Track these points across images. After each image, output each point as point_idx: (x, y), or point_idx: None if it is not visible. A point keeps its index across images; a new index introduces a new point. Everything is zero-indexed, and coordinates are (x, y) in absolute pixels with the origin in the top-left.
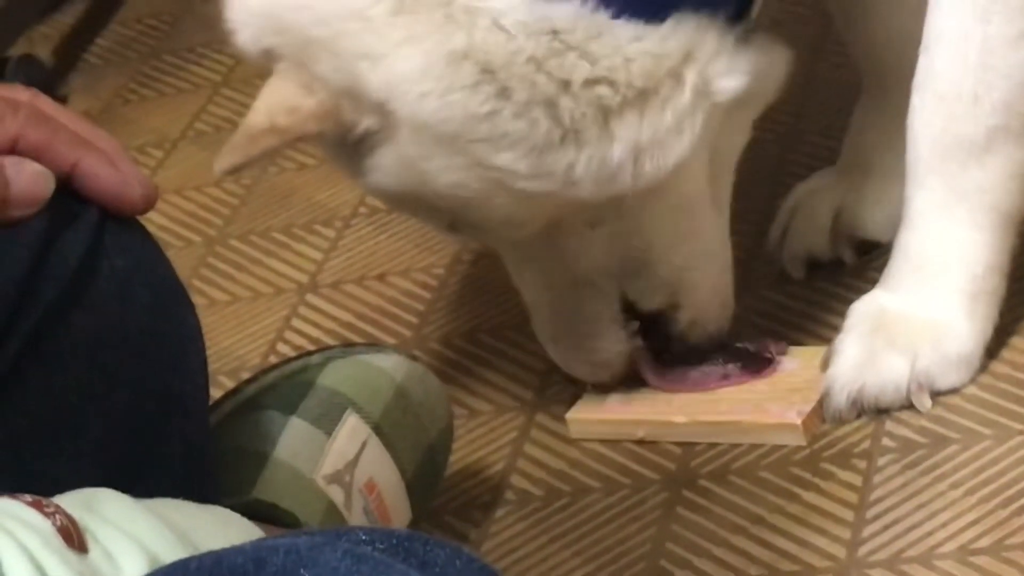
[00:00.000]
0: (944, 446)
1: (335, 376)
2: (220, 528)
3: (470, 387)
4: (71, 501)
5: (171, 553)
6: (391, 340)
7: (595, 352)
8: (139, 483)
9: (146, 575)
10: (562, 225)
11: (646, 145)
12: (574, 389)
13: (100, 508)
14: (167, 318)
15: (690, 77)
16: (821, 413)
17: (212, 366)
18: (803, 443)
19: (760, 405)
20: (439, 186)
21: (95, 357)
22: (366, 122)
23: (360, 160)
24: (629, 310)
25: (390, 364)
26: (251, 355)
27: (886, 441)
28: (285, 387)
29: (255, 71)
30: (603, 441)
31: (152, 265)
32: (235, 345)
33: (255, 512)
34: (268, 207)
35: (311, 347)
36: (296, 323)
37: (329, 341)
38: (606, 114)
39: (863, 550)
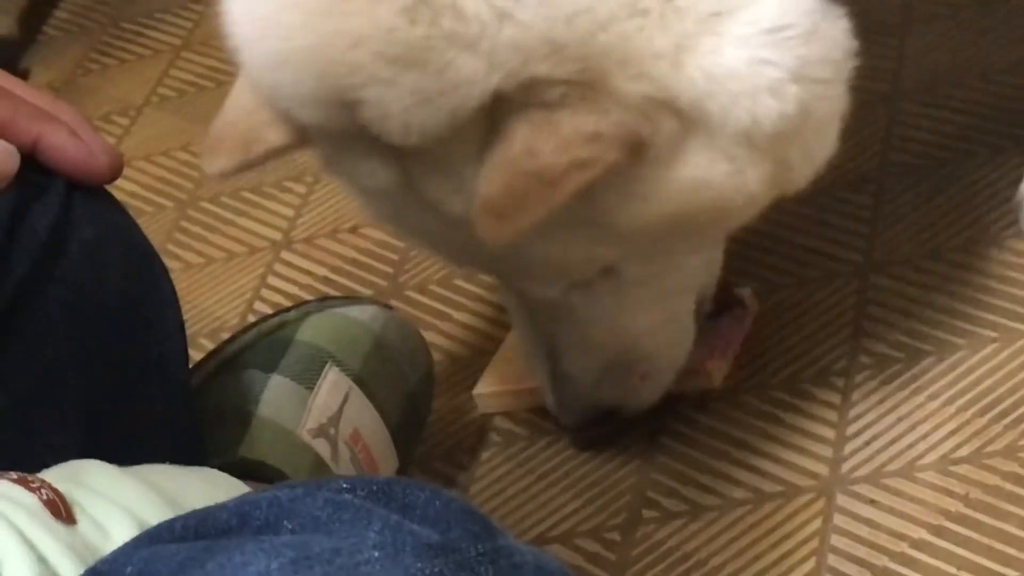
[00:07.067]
0: (920, 359)
1: (313, 331)
2: (208, 489)
3: (448, 332)
4: (57, 475)
5: (160, 518)
6: (367, 291)
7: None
8: (125, 451)
9: (133, 538)
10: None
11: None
12: None
13: (86, 479)
14: (141, 284)
15: None
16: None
17: (191, 328)
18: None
19: None
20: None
21: (71, 329)
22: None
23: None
24: None
25: (367, 315)
26: (230, 315)
27: (863, 358)
28: (264, 345)
29: (213, 32)
30: None
31: (122, 233)
32: (213, 306)
33: (243, 471)
34: None
35: (288, 304)
36: (272, 280)
37: (306, 296)
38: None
39: (846, 467)
